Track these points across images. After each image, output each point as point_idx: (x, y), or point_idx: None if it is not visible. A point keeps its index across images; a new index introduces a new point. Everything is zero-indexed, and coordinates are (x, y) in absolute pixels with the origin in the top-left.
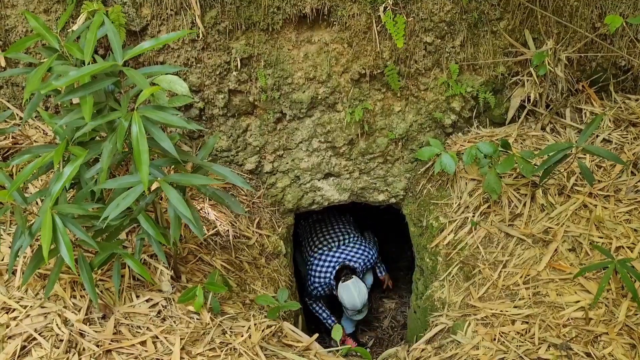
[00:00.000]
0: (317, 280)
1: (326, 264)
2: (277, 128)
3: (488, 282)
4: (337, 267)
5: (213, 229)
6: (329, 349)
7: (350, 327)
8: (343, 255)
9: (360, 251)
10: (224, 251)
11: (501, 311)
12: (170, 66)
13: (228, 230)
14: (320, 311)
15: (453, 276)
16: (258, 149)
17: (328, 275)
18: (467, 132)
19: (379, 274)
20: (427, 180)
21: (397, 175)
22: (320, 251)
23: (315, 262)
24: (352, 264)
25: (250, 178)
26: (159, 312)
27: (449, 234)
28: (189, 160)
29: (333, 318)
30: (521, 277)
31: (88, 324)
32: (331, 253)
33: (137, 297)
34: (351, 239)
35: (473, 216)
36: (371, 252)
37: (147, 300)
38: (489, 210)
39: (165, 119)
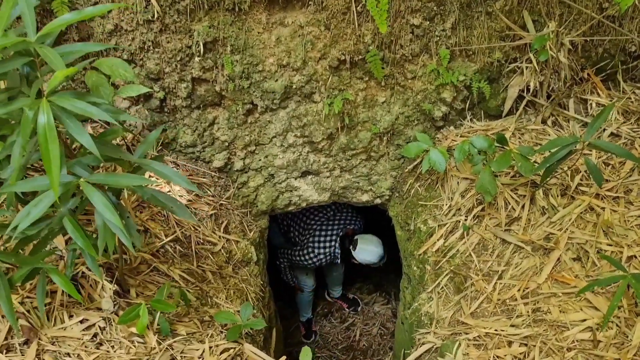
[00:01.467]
0: (322, 251)
1: (329, 232)
2: (248, 121)
3: (481, 295)
4: (340, 234)
5: (172, 234)
6: None
7: (338, 291)
8: (342, 221)
9: (355, 215)
10: (185, 259)
11: (496, 330)
12: (96, 44)
13: (190, 236)
14: (287, 271)
15: (442, 288)
16: (227, 144)
17: (333, 243)
18: (460, 125)
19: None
20: (414, 179)
21: (382, 173)
22: (319, 222)
23: (317, 232)
24: (351, 226)
25: (218, 177)
26: (95, 335)
27: (438, 240)
28: (122, 158)
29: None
30: (519, 290)
31: (5, 351)
32: (330, 222)
33: (70, 317)
34: (343, 207)
35: (465, 220)
36: (361, 220)
37: (81, 321)
38: (483, 213)
39: (81, 108)
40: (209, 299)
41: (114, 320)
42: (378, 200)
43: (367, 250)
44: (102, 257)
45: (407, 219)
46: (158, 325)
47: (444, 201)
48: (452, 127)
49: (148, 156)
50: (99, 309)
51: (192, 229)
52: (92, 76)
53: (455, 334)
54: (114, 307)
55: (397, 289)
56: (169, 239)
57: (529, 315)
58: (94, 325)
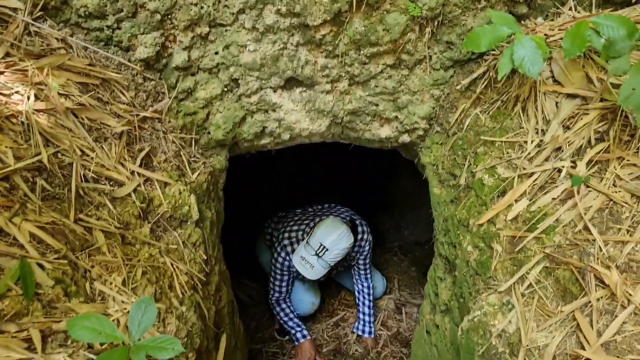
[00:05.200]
0: (293, 229)
1: (305, 216)
2: None
3: (621, 308)
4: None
5: (33, 157)
6: None
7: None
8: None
9: (343, 208)
10: (52, 206)
11: None
12: None
13: (71, 165)
14: (287, 311)
15: (531, 287)
16: (159, 17)
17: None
18: (557, 15)
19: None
20: (472, 103)
21: (418, 90)
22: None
23: (290, 217)
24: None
25: (144, 77)
26: None
27: (517, 200)
28: None
29: (302, 325)
30: None
31: None
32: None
33: None
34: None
35: (573, 167)
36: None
37: None
38: (607, 157)
39: None
40: (86, 284)
41: None
42: (405, 138)
43: (328, 227)
44: None
45: (455, 168)
46: None
47: (527, 135)
48: (541, 19)
49: None
50: None
51: (78, 152)
52: None
53: None
54: None
55: (401, 275)
56: (23, 163)
57: None
58: None
